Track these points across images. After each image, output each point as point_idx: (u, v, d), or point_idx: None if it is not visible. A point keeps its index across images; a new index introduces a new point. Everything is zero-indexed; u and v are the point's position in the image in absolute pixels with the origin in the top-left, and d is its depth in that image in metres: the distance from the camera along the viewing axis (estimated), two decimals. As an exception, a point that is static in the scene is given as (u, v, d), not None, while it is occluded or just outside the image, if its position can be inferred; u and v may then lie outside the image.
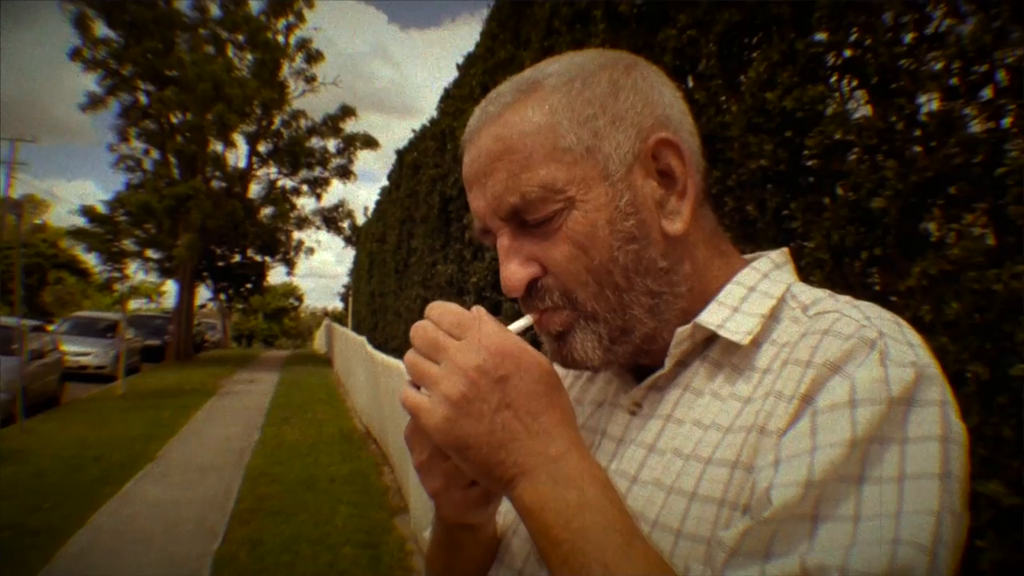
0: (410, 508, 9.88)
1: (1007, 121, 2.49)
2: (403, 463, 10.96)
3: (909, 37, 2.73)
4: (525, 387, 1.09)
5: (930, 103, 2.66)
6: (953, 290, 2.42)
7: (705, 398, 1.19)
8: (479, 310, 1.14)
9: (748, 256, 1.35)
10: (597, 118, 1.21)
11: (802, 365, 1.08)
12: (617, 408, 1.33)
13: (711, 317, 1.22)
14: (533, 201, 1.18)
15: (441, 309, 1.15)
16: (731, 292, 1.25)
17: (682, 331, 1.21)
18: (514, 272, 1.22)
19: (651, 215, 1.22)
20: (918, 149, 2.70)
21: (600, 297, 1.20)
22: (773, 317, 1.21)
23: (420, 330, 1.14)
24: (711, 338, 1.23)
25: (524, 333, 1.21)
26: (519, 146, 1.19)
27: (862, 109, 2.98)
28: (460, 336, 1.10)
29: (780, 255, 1.34)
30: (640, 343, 1.24)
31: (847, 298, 1.18)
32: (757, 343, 1.18)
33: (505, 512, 1.41)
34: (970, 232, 2.44)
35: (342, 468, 13.38)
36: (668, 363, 1.23)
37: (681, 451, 1.16)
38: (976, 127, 2.52)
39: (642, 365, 1.30)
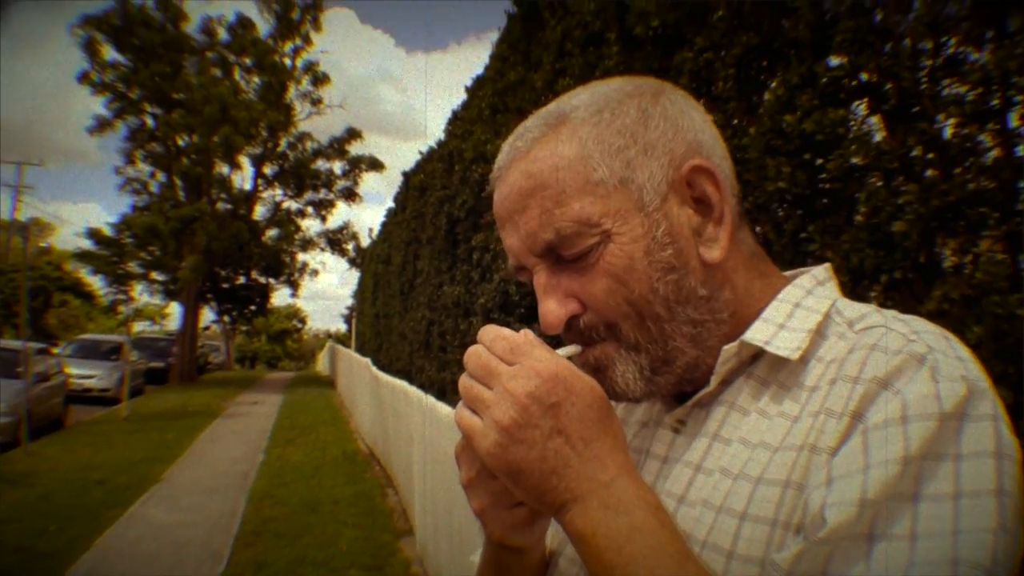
0: (415, 530, 9.84)
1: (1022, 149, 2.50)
2: (407, 485, 10.92)
3: (928, 63, 2.74)
4: (577, 413, 1.07)
5: (944, 128, 2.67)
6: (974, 314, 2.41)
7: (751, 416, 1.17)
8: (528, 334, 1.12)
9: (789, 273, 1.33)
10: (628, 148, 1.19)
11: (851, 381, 1.05)
12: (660, 427, 1.31)
13: (757, 334, 1.19)
14: (568, 236, 1.16)
15: (494, 334, 1.13)
16: (776, 309, 1.23)
17: (728, 349, 1.19)
18: (553, 310, 1.20)
19: (688, 244, 1.20)
20: (931, 173, 2.70)
21: (642, 328, 1.19)
22: (819, 333, 1.18)
23: (474, 355, 1.12)
24: (756, 355, 1.21)
25: (571, 359, 1.20)
26: (550, 181, 1.17)
27: (878, 133, 2.98)
28: (512, 361, 1.09)
29: (823, 271, 1.31)
30: (682, 373, 1.22)
31: (893, 312, 1.16)
32: (804, 360, 1.16)
33: (552, 535, 1.39)
34: (993, 257, 2.44)
35: (346, 490, 13.34)
36: (714, 381, 1.21)
37: (729, 471, 1.13)
38: (993, 153, 2.53)
39: (685, 392, 1.27)
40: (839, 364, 1.10)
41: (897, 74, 2.78)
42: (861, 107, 3.10)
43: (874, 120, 3.04)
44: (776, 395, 1.16)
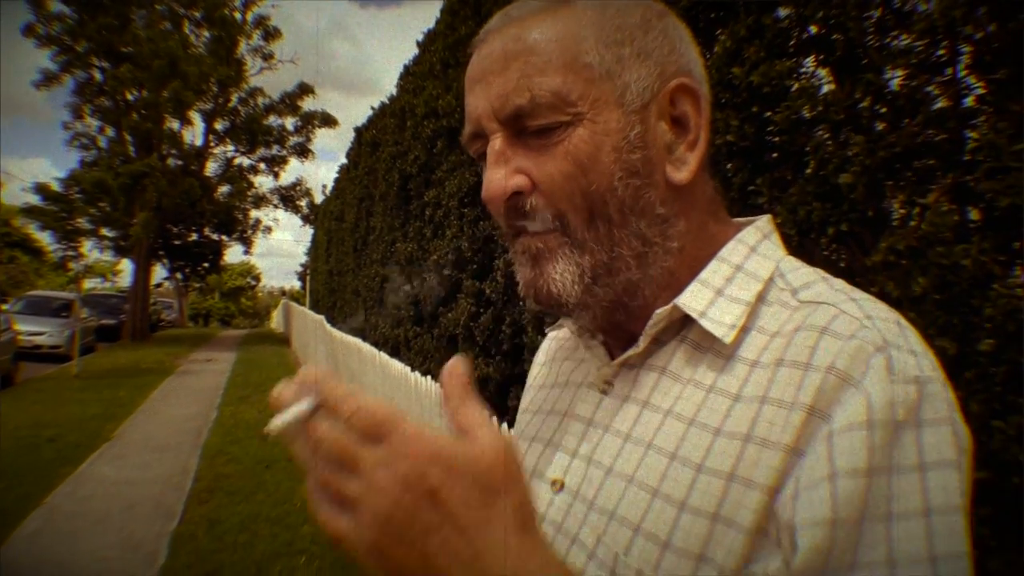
0: (369, 487, 9.86)
1: (970, 100, 2.50)
2: (362, 442, 10.90)
3: (876, 13, 2.74)
4: (460, 496, 0.85)
5: (892, 80, 2.67)
6: (920, 266, 2.42)
7: (686, 387, 1.13)
8: (395, 415, 0.86)
9: (739, 220, 1.30)
10: (624, 45, 1.16)
11: (800, 368, 1.02)
12: (585, 387, 1.30)
13: (693, 301, 1.16)
14: (541, 106, 1.12)
15: (353, 406, 0.87)
16: (716, 270, 1.19)
17: (660, 313, 1.16)
18: (499, 179, 1.15)
19: (658, 156, 1.17)
20: (880, 126, 2.70)
21: (591, 226, 1.14)
22: (760, 299, 1.15)
23: (328, 441, 0.87)
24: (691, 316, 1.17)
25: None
26: (539, 49, 1.13)
27: (826, 86, 2.98)
28: (378, 439, 0.86)
29: (765, 223, 1.27)
30: (621, 292, 1.18)
31: (840, 284, 1.13)
32: (743, 328, 1.13)
33: None
34: (939, 208, 2.44)
35: (301, 447, 13.31)
36: (642, 342, 1.18)
37: (663, 448, 1.10)
38: (940, 104, 2.54)
39: (616, 328, 1.25)
40: (785, 342, 1.07)
41: (844, 25, 2.77)
42: (808, 59, 3.10)
43: (822, 73, 3.04)
44: (712, 364, 1.13)
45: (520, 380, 6.39)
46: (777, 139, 3.10)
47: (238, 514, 9.31)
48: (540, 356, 1.59)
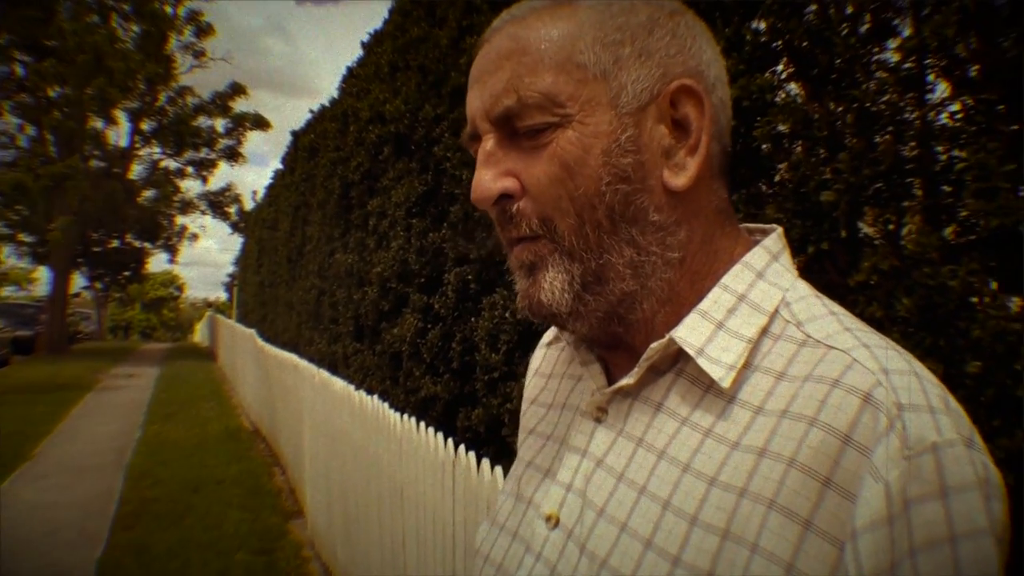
0: (305, 512, 9.79)
1: (945, 117, 2.56)
2: (296, 464, 10.85)
3: (858, 27, 2.79)
4: None
5: (873, 96, 2.72)
6: (904, 286, 2.47)
7: (682, 427, 1.13)
8: None
9: (749, 229, 1.30)
10: (623, 45, 1.16)
11: (806, 422, 1.01)
12: (579, 414, 1.30)
13: (691, 335, 1.15)
14: (529, 106, 1.13)
15: None
16: (717, 300, 1.18)
17: (655, 347, 1.15)
18: (486, 182, 1.17)
19: (653, 161, 1.16)
20: (852, 143, 2.75)
21: (579, 233, 1.15)
22: (764, 332, 1.14)
23: None
24: None
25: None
26: (532, 48, 1.14)
27: (799, 98, 3.03)
28: None
29: (775, 241, 1.25)
30: (615, 303, 1.18)
31: (849, 319, 1.12)
32: (745, 366, 1.12)
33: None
34: (925, 228, 2.49)
35: (230, 469, 13.19)
36: (635, 374, 1.18)
37: (656, 495, 1.10)
38: (917, 120, 2.59)
39: (614, 341, 1.24)
40: (791, 391, 1.05)
41: (827, 38, 2.82)
42: (785, 72, 3.15)
43: (793, 86, 3.09)
44: (711, 405, 1.12)
45: (470, 400, 6.39)
46: (754, 154, 3.13)
47: (166, 540, 9.21)
48: (536, 363, 1.59)
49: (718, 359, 1.12)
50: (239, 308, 34.88)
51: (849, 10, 2.79)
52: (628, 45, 1.16)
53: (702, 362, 1.12)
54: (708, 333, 1.15)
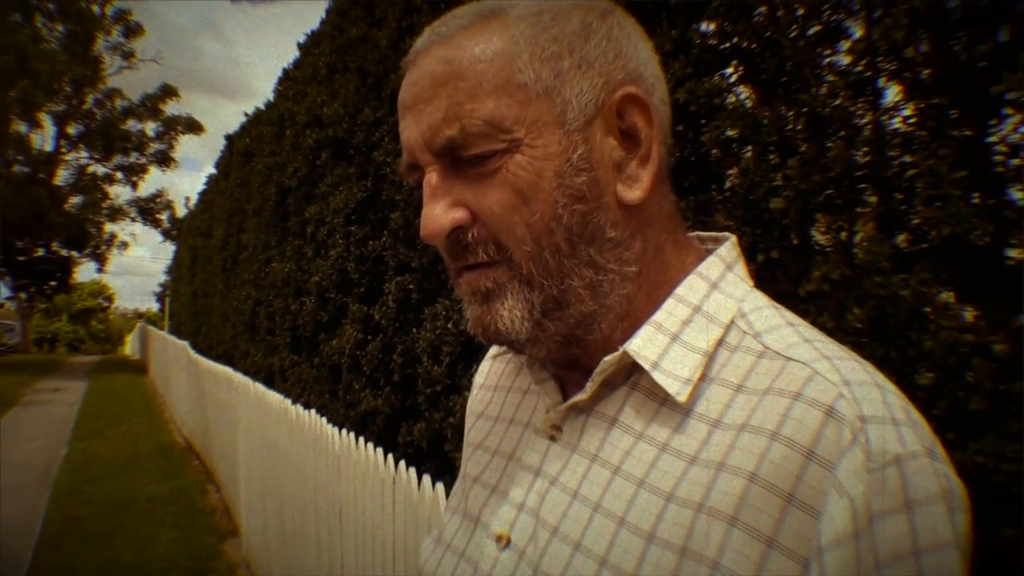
0: (240, 531, 9.72)
1: (898, 121, 2.58)
2: (231, 481, 10.78)
3: (797, 28, 2.81)
4: None
5: (824, 100, 2.74)
6: (855, 296, 2.49)
7: (637, 442, 1.13)
8: None
9: (698, 241, 1.30)
10: (562, 58, 1.14)
11: (766, 436, 1.00)
12: (532, 430, 1.29)
13: (645, 348, 1.14)
14: (473, 135, 1.10)
15: None
16: (672, 312, 1.17)
17: (609, 360, 1.14)
18: (438, 216, 1.14)
19: (606, 177, 1.15)
20: (804, 148, 2.77)
21: (537, 260, 1.13)
22: (720, 343, 1.14)
23: None
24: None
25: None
26: (468, 73, 1.11)
27: (748, 103, 3.05)
28: None
29: (729, 250, 1.25)
30: (574, 325, 1.17)
31: (808, 330, 1.13)
32: (701, 378, 1.12)
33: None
34: (876, 236, 2.51)
35: (162, 487, 13.08)
36: (589, 388, 1.17)
37: (612, 512, 1.09)
38: (868, 125, 2.61)
39: (570, 361, 1.23)
40: (750, 404, 1.05)
41: (777, 41, 2.84)
42: (736, 76, 3.17)
43: (742, 89, 3.11)
44: (667, 419, 1.12)
45: (412, 414, 6.37)
46: (702, 160, 3.15)
47: (94, 561, 9.11)
48: (482, 377, 1.58)
49: (674, 372, 1.12)
50: (171, 319, 34.62)
51: (800, 11, 2.81)
52: (567, 57, 1.14)
53: (657, 376, 1.12)
54: (663, 346, 1.14)
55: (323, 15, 9.62)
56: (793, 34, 2.83)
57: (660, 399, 1.14)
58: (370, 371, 7.11)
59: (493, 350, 1.59)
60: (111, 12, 44.77)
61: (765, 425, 1.01)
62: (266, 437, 7.59)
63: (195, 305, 22.86)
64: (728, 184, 3.09)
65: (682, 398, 1.09)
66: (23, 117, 41.55)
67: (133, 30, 45.80)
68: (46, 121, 44.82)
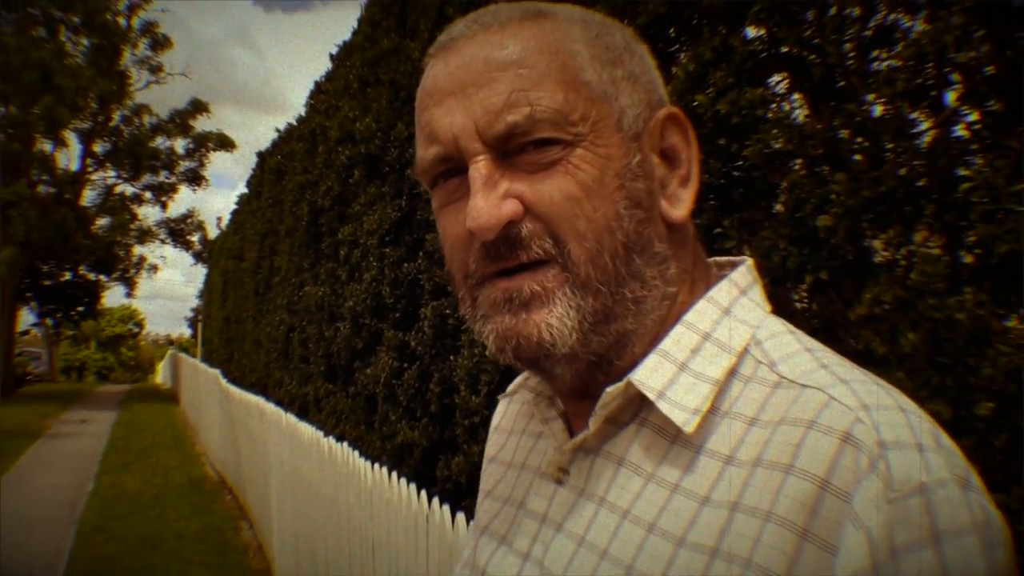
0: (273, 570, 9.74)
1: (961, 129, 2.54)
2: (264, 517, 10.78)
3: (854, 31, 2.78)
4: None
5: (873, 108, 2.71)
6: (909, 319, 2.45)
7: (647, 483, 1.10)
8: None
9: (715, 266, 1.29)
10: (616, 66, 1.15)
11: (781, 470, 0.98)
12: (539, 475, 1.28)
13: (650, 378, 1.12)
14: (541, 122, 1.08)
15: None
16: (679, 339, 1.15)
17: (611, 391, 1.12)
18: (492, 205, 1.09)
19: (657, 190, 1.17)
20: (858, 158, 2.74)
21: (596, 261, 1.10)
22: (732, 373, 1.11)
23: None
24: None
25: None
26: (532, 61, 1.10)
27: (800, 114, 3.02)
28: None
29: (746, 274, 1.24)
30: (612, 345, 1.15)
31: (828, 355, 1.09)
32: (711, 410, 1.09)
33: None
34: (929, 255, 2.47)
35: (192, 523, 13.12)
36: (593, 424, 1.15)
37: (620, 559, 1.07)
38: (927, 136, 2.58)
39: (586, 392, 1.19)
40: (765, 436, 1.03)
41: (822, 47, 2.82)
42: (781, 85, 3.15)
43: (796, 98, 3.09)
44: (678, 457, 1.10)
45: (450, 447, 6.35)
46: (746, 175, 3.13)
47: (121, 602, 9.16)
48: (497, 418, 1.57)
49: (681, 403, 1.09)
50: (204, 346, 34.83)
51: (856, 12, 2.78)
52: (619, 67, 1.16)
53: (662, 406, 1.09)
54: (670, 375, 1.12)
55: (355, 25, 9.65)
56: (842, 39, 2.80)
57: (671, 436, 1.11)
58: (406, 401, 7.11)
59: (504, 397, 1.57)
60: (138, 24, 45.22)
61: (780, 459, 0.98)
62: (299, 471, 7.61)
63: (228, 331, 22.98)
64: (777, 205, 3.06)
65: (689, 429, 1.07)
66: (47, 135, 41.93)
67: (161, 43, 46.18)
68: (71, 139, 45.26)
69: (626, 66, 1.17)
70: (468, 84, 1.12)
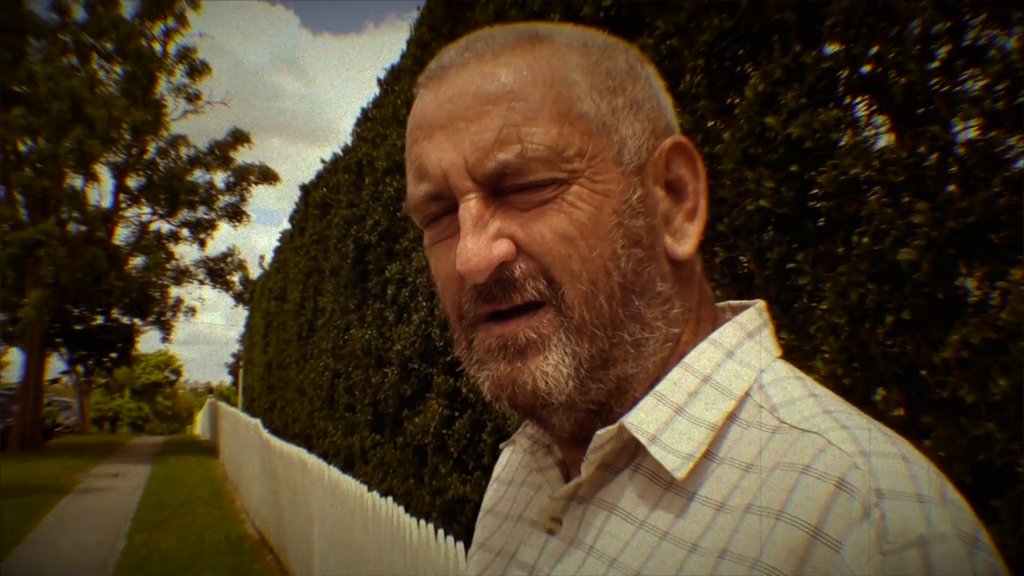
0: (316, 636, 9.75)
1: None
2: (307, 579, 10.78)
3: (942, 51, 2.76)
4: None
5: (967, 131, 2.68)
6: (1000, 364, 2.41)
7: (638, 531, 1.11)
8: None
9: (726, 305, 1.30)
10: (616, 94, 1.16)
11: (771, 516, 0.98)
12: (531, 525, 1.29)
13: (644, 421, 1.13)
14: (533, 161, 1.08)
15: None
16: (677, 382, 1.16)
17: (603, 434, 1.13)
18: (483, 248, 1.09)
19: (659, 226, 1.17)
20: (952, 188, 2.71)
21: (592, 303, 1.11)
22: (731, 419, 1.12)
23: None
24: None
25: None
26: (524, 94, 1.10)
27: (884, 138, 2.99)
28: None
29: (752, 317, 1.25)
30: (611, 391, 1.16)
31: (835, 402, 1.10)
32: (706, 456, 1.10)
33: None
34: (1021, 292, 2.44)
35: (230, 586, 13.19)
36: (585, 470, 1.16)
37: None
38: (1022, 162, 2.54)
39: (584, 439, 1.18)
40: (758, 482, 1.03)
41: (903, 65, 2.79)
42: (860, 107, 3.12)
43: (878, 122, 3.06)
44: (670, 504, 1.10)
45: (505, 502, 6.33)
46: (821, 205, 3.10)
47: (152, 673, 9.20)
48: (498, 469, 1.58)
49: (674, 447, 1.10)
50: (244, 394, 35.04)
51: (939, 27, 2.75)
52: (620, 95, 1.17)
53: (654, 450, 1.10)
54: (664, 419, 1.13)
55: (403, 48, 9.70)
56: (927, 57, 2.78)
57: (665, 483, 1.12)
58: (457, 452, 7.10)
59: (506, 446, 1.57)
60: (174, 50, 45.76)
61: (772, 505, 0.99)
62: (342, 528, 7.62)
63: (270, 378, 23.12)
64: (851, 232, 3.03)
65: (680, 475, 1.08)
66: (78, 170, 42.36)
67: (199, 69, 46.61)
68: (103, 174, 45.98)
69: (628, 93, 1.18)
70: (458, 118, 1.13)
